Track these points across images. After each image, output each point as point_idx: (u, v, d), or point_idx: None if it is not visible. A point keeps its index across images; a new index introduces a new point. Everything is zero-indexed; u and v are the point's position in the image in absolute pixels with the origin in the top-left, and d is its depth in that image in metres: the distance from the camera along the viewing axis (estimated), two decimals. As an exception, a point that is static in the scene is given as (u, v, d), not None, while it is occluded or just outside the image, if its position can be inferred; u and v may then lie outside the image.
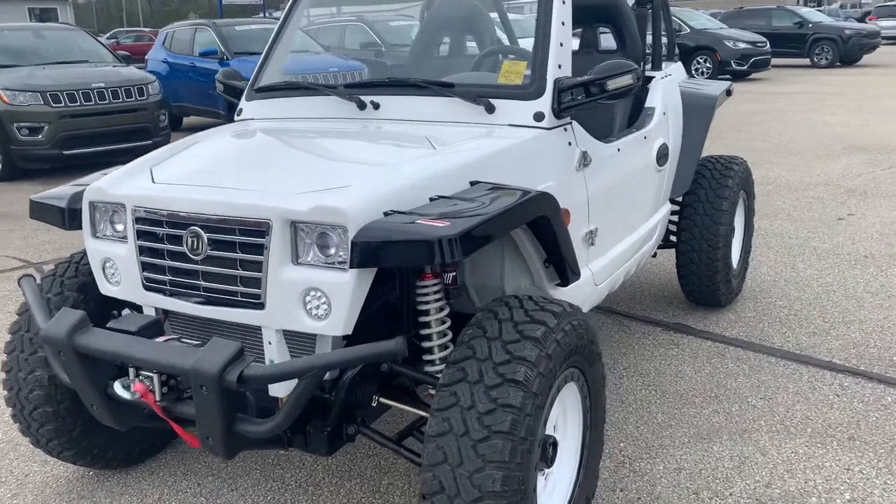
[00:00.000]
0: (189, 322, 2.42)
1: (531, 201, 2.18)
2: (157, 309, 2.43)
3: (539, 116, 2.65)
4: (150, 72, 12.42)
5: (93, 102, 9.31)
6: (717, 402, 3.36)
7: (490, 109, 2.70)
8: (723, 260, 4.10)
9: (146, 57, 14.31)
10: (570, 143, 2.74)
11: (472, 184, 2.31)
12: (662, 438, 3.10)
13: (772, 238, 5.75)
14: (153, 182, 2.42)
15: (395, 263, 1.97)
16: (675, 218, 4.16)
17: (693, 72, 18.24)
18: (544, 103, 2.66)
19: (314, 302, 2.10)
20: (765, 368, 3.67)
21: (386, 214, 2.06)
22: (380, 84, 2.94)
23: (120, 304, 2.60)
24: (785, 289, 4.71)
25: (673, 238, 4.21)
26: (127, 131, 9.60)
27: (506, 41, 4.14)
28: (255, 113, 3.23)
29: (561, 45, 2.75)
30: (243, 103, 3.30)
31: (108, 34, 35.76)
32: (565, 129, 2.74)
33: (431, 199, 2.18)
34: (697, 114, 3.96)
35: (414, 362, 2.40)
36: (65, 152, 9.14)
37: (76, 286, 2.72)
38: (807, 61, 21.51)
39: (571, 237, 2.68)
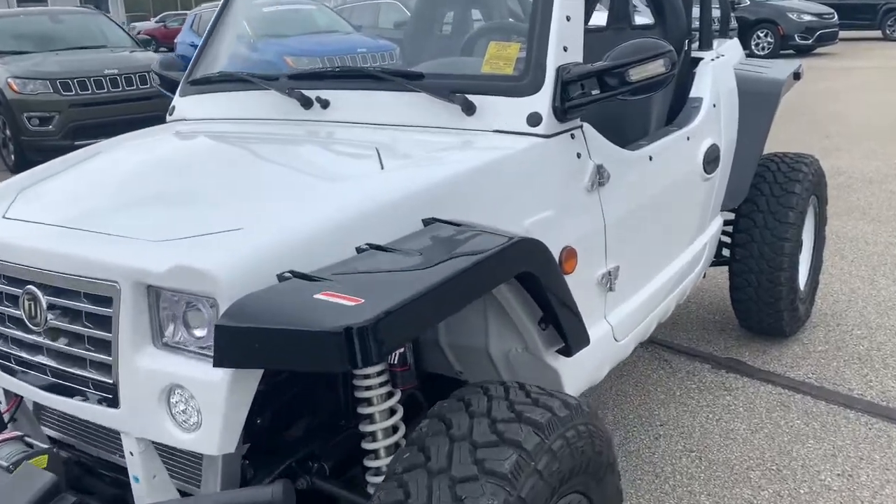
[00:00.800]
0: (56, 412, 1.79)
1: (505, 256, 1.47)
2: (5, 391, 1.80)
3: (535, 119, 1.93)
4: (179, 56, 11.96)
5: (105, 90, 8.82)
6: (779, 480, 2.61)
7: (469, 109, 1.98)
8: (787, 283, 3.31)
9: (175, 41, 13.89)
10: (578, 155, 2.01)
11: (427, 223, 1.61)
12: (707, 535, 2.37)
13: (845, 244, 4.89)
14: (3, 217, 1.79)
15: (273, 365, 1.30)
16: (729, 228, 3.38)
17: (753, 47, 17.01)
18: (542, 101, 1.93)
19: (181, 405, 1.44)
20: (841, 428, 2.89)
21: (281, 278, 1.38)
22: (331, 75, 2.24)
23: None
24: (863, 312, 3.89)
25: (726, 251, 3.44)
26: (142, 120, 9.04)
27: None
28: (189, 111, 2.57)
29: (568, 18, 2.01)
30: (176, 99, 2.65)
31: (157, 18, 35.68)
32: (572, 136, 2.00)
33: (359, 250, 1.49)
34: (758, 104, 3.15)
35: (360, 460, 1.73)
36: (76, 143, 8.65)
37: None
38: (878, 33, 19.95)
39: (582, 283, 1.97)
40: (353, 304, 1.23)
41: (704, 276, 3.43)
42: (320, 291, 1.28)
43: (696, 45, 3.18)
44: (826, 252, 4.57)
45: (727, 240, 3.41)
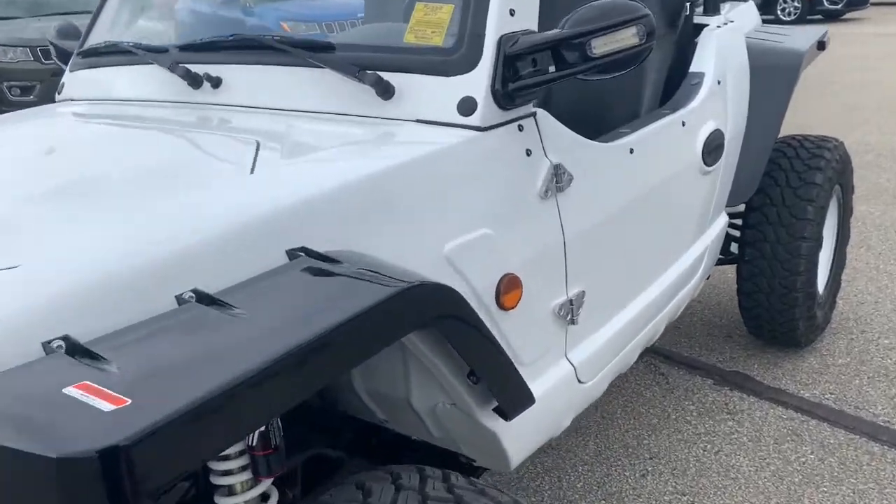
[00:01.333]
0: None
1: (387, 312, 1.02)
2: None
3: (468, 106, 1.47)
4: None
5: (89, 58, 8.39)
6: (787, 537, 2.18)
7: (385, 93, 1.52)
8: (804, 289, 2.84)
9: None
10: (528, 153, 1.54)
11: (292, 256, 1.17)
12: None
13: (871, 232, 4.38)
14: None
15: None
16: (738, 221, 2.91)
17: (779, 13, 16.21)
18: (477, 81, 1.47)
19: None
20: (864, 466, 2.45)
21: (48, 349, 0.95)
22: (225, 46, 1.78)
23: None
24: (892, 316, 3.41)
25: (734, 246, 2.96)
26: (128, 89, 8.65)
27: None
28: (77, 90, 2.15)
29: (516, -27, 1.54)
30: (66, 76, 2.22)
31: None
32: (520, 128, 1.54)
33: (180, 300, 1.05)
34: (773, 79, 2.65)
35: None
36: (58, 114, 8.30)
37: None
38: (912, -3, 19.04)
39: (530, 319, 1.52)
40: (111, 406, 0.80)
41: (708, 278, 2.97)
42: (74, 381, 0.85)
43: (699, 8, 2.68)
44: (850, 242, 4.08)
45: (735, 233, 2.95)
